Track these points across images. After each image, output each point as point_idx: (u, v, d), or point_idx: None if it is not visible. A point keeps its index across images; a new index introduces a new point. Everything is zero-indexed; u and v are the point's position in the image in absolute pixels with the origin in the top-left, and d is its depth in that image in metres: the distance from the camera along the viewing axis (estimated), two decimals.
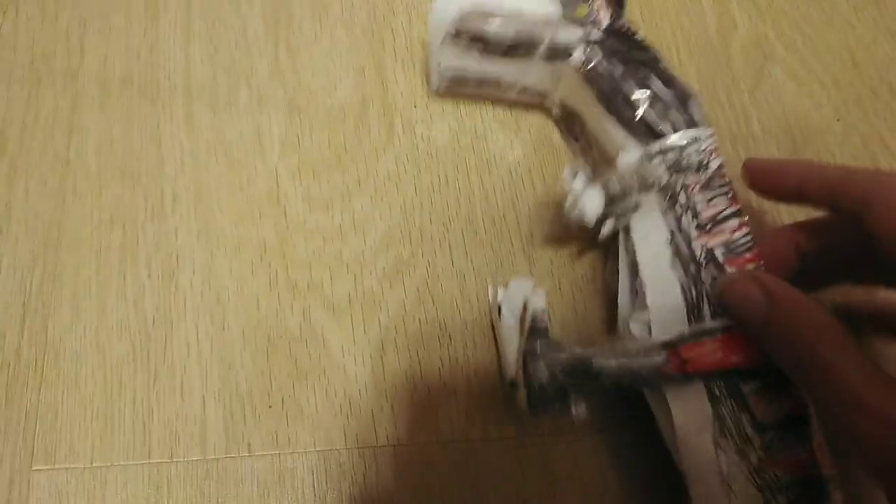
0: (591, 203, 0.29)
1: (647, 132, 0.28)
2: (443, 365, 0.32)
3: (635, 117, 0.28)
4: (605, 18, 0.31)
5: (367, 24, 0.39)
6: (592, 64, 0.30)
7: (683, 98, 0.28)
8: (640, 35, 0.31)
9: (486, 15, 0.31)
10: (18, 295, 0.31)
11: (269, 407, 0.30)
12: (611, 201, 0.29)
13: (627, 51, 0.30)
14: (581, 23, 0.31)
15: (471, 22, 0.31)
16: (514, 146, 0.37)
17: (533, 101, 0.36)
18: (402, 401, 0.31)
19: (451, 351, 0.32)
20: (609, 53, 0.30)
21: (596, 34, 0.31)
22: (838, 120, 0.39)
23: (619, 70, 0.30)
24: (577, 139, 0.35)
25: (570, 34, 0.31)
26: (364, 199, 0.35)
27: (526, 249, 0.34)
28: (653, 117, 0.28)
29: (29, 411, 0.29)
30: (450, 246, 0.34)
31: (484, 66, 0.33)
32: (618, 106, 0.29)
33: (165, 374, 0.30)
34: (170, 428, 0.30)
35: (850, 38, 0.42)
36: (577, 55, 0.31)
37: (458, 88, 0.36)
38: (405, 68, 0.38)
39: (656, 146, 0.27)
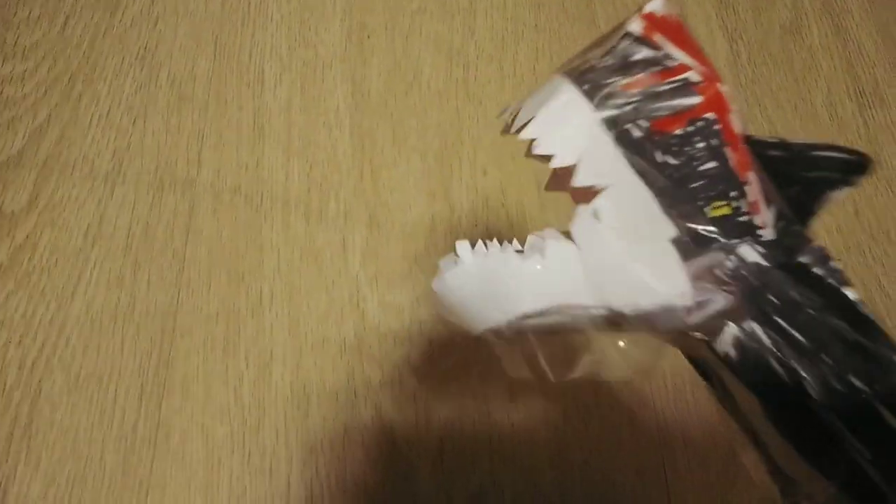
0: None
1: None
2: (491, 460, 0.37)
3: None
4: (768, 224, 0.19)
5: (439, 152, 0.45)
6: (739, 356, 0.18)
7: None
8: (838, 262, 0.19)
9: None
10: (137, 377, 0.36)
11: (344, 492, 0.35)
12: None
13: (814, 310, 0.18)
14: (720, 235, 0.19)
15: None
16: None
17: None
18: None
19: (499, 449, 0.37)
20: (774, 319, 0.18)
21: (750, 266, 0.18)
22: (838, 260, 0.45)
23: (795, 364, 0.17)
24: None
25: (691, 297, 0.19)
26: (431, 308, 0.40)
27: None
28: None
29: (142, 481, 0.34)
30: None
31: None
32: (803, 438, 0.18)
33: (258, 455, 0.36)
34: None
35: (853, 191, 0.48)
36: (724, 337, 0.19)
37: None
38: (468, 192, 0.44)
39: None
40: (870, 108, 0.52)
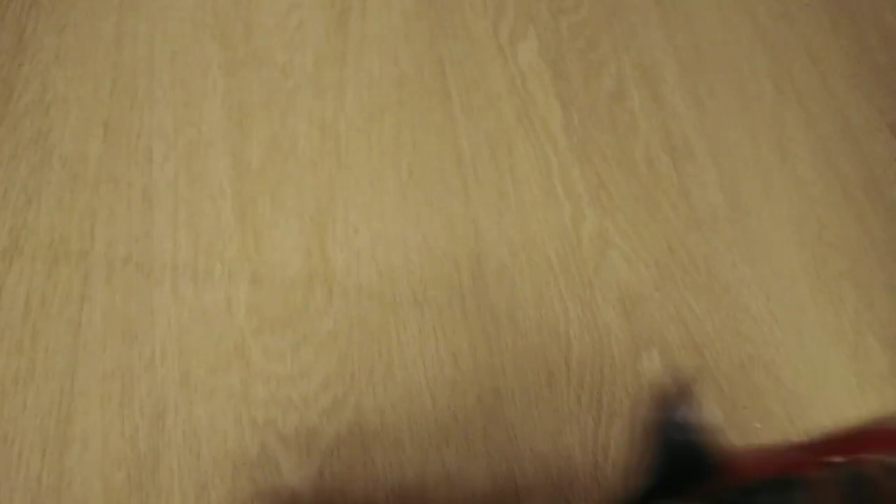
0: None
1: None
2: (366, 484, 0.43)
3: None
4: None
5: (315, 214, 0.52)
6: None
7: None
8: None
9: None
10: (39, 433, 0.40)
11: None
12: None
13: None
14: None
15: None
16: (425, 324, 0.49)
17: None
18: None
19: (372, 471, 0.43)
20: None
21: None
22: (657, 290, 0.54)
23: None
24: None
25: None
26: (309, 350, 0.46)
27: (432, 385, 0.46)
28: None
29: None
30: (373, 387, 0.46)
31: None
32: None
33: (154, 496, 0.40)
34: None
35: (668, 230, 0.58)
36: None
37: None
38: (342, 249, 0.51)
39: None
40: (682, 160, 0.62)
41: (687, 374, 0.27)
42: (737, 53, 0.69)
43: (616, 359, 0.49)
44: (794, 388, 0.51)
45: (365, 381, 0.46)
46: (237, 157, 0.53)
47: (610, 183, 0.59)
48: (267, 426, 0.43)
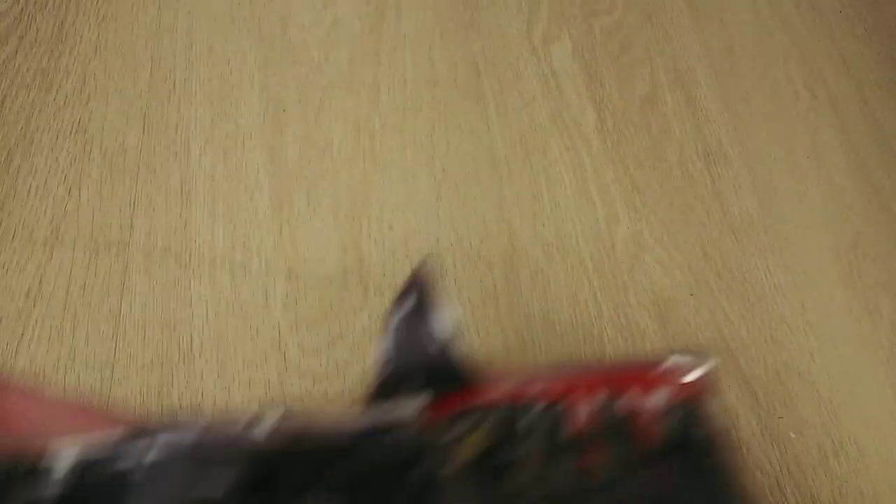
0: None
1: None
2: None
3: None
4: None
5: (349, 211, 0.52)
6: None
7: None
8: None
9: None
10: None
11: None
12: None
13: None
14: None
15: None
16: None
17: None
18: None
19: None
20: None
21: None
22: (692, 295, 0.54)
23: None
24: None
25: None
26: (345, 348, 0.46)
27: None
28: None
29: None
30: None
31: None
32: None
33: None
34: None
35: (702, 235, 0.57)
36: None
37: None
38: (376, 246, 0.51)
39: None
40: (715, 165, 0.62)
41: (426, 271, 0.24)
42: (770, 59, 0.69)
43: None
44: (830, 397, 0.50)
45: None
46: (273, 152, 0.53)
47: (644, 186, 0.59)
48: None
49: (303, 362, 0.45)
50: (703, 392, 0.25)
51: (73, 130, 0.50)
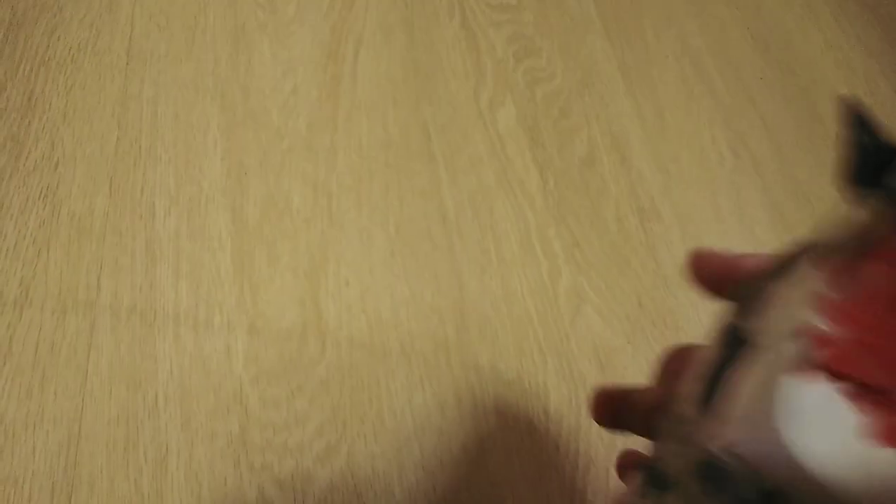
0: None
1: None
2: None
3: None
4: None
5: (308, 269, 0.55)
6: None
7: None
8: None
9: None
10: (48, 476, 0.42)
11: None
12: None
13: None
14: None
15: None
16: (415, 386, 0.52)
17: None
18: None
19: None
20: None
21: None
22: (629, 343, 0.58)
23: None
24: None
25: None
26: (304, 399, 0.49)
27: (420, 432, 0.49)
28: None
29: None
30: (365, 435, 0.48)
31: None
32: None
33: None
34: None
35: (637, 286, 0.62)
36: None
37: None
38: (334, 301, 0.54)
39: None
40: (649, 221, 0.67)
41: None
42: (697, 123, 0.75)
43: None
44: None
45: (357, 428, 0.48)
46: (235, 213, 0.56)
47: (583, 241, 0.63)
48: (264, 471, 0.45)
49: (263, 414, 0.47)
50: None
51: (42, 195, 0.52)
